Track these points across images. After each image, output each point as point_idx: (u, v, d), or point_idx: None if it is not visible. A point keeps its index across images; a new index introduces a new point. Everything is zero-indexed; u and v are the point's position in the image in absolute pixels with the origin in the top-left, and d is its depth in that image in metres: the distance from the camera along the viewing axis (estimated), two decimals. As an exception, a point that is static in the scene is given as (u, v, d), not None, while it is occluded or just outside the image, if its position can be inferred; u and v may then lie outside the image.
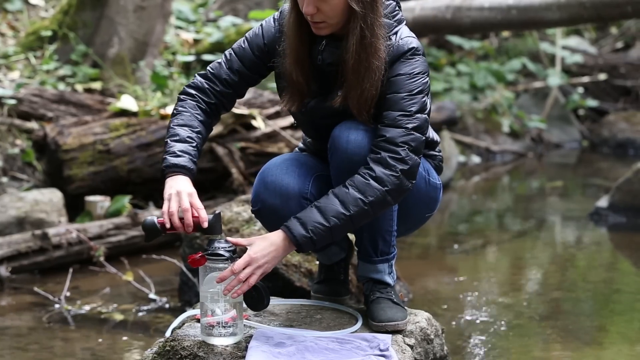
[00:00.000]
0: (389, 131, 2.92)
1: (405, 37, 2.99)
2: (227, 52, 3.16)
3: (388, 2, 3.02)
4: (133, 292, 4.83)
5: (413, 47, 2.98)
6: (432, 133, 3.23)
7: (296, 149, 3.38)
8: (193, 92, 3.13)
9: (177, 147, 3.01)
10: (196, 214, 2.91)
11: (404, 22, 3.06)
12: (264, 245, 2.89)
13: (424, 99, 2.96)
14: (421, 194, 3.15)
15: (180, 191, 2.93)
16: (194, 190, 2.96)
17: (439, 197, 3.24)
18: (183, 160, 2.98)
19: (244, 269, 2.85)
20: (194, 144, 3.03)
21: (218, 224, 2.93)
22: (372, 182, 2.89)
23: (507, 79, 10.46)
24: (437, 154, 3.27)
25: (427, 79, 2.99)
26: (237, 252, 2.93)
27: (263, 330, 3.02)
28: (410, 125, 2.92)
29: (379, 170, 2.90)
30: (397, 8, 3.04)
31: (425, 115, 2.97)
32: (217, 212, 2.96)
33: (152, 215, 3.05)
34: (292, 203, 3.08)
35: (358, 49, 2.92)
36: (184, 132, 3.04)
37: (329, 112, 3.04)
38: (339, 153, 2.99)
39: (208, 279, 2.91)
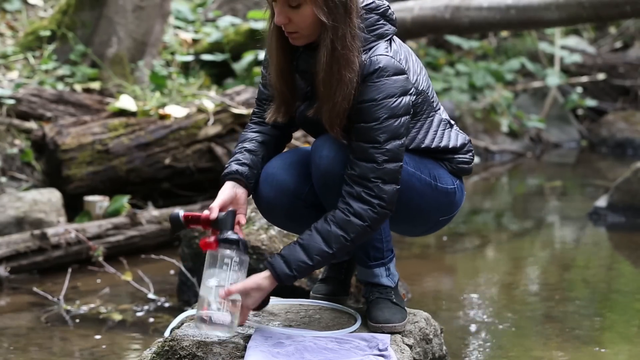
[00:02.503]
0: (360, 166, 2.89)
1: (377, 55, 2.91)
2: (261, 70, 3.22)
3: (368, 16, 2.96)
4: (132, 292, 4.83)
5: (379, 68, 2.89)
6: (444, 139, 3.14)
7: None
8: (251, 120, 3.21)
9: (229, 163, 3.09)
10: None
11: (387, 38, 2.98)
12: (257, 297, 2.94)
13: (395, 123, 2.89)
14: (428, 200, 3.11)
15: (218, 196, 3.03)
16: (228, 194, 3.02)
17: (453, 200, 3.18)
18: (228, 169, 3.05)
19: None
20: (241, 150, 3.10)
21: (229, 220, 2.95)
22: (352, 218, 2.90)
23: (506, 79, 10.46)
24: (455, 157, 3.18)
25: (399, 99, 2.89)
26: (247, 244, 2.97)
27: (262, 330, 3.02)
28: (380, 159, 2.88)
29: (356, 205, 2.90)
30: (379, 22, 2.97)
31: (399, 142, 2.90)
32: (230, 209, 2.97)
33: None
34: (286, 200, 3.09)
35: (329, 61, 2.88)
36: (235, 150, 3.13)
37: (311, 119, 3.04)
38: (314, 168, 3.00)
39: (210, 273, 2.90)
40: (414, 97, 2.99)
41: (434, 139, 3.10)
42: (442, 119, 3.14)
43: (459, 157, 3.19)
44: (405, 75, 2.93)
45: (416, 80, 3.02)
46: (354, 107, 2.90)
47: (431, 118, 3.10)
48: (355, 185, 2.90)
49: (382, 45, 2.95)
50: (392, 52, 2.94)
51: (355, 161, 2.90)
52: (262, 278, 2.94)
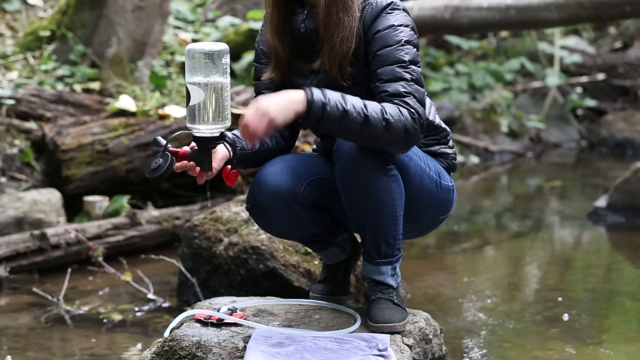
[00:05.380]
0: (391, 85, 2.94)
1: None
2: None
3: None
4: (132, 292, 4.83)
5: (391, 2, 3.02)
6: (437, 118, 3.23)
7: (310, 149, 3.41)
8: None
9: None
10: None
11: None
12: (275, 96, 2.84)
13: (413, 49, 2.99)
14: (433, 197, 3.16)
15: None
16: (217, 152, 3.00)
17: (452, 198, 3.23)
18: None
19: (253, 119, 2.81)
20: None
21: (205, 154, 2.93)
22: (396, 107, 2.89)
23: (506, 79, 10.46)
24: (449, 152, 3.25)
25: (412, 31, 3.01)
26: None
27: (262, 330, 3.02)
28: (408, 77, 2.94)
29: (400, 107, 2.90)
30: None
31: (418, 68, 2.98)
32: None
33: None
34: (283, 204, 3.10)
35: (327, 2, 2.99)
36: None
37: (322, 84, 3.05)
38: (341, 156, 3.01)
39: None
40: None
41: (430, 112, 3.19)
42: (431, 102, 3.24)
43: (449, 153, 3.26)
44: (411, 19, 3.06)
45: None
46: (369, 41, 2.99)
47: (427, 95, 3.20)
48: (391, 101, 2.92)
49: None
50: None
51: (385, 84, 2.94)
52: (293, 91, 2.86)
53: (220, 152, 3.01)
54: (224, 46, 2.83)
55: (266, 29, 3.15)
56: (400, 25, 2.99)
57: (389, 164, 3.00)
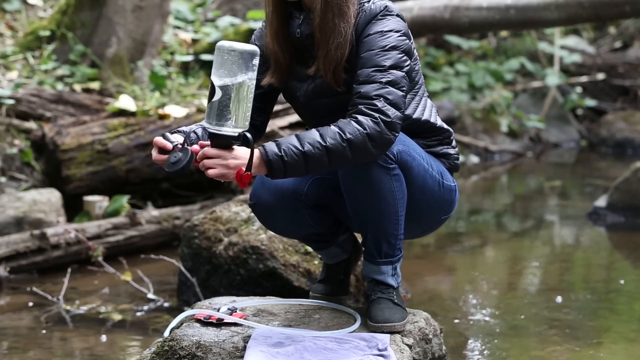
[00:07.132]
0: (363, 87, 2.93)
1: (379, 1, 3.03)
2: None
3: None
4: (131, 292, 4.83)
5: (385, 7, 3.01)
6: (438, 119, 3.22)
7: None
8: None
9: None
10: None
11: None
12: (241, 152, 2.84)
13: (399, 55, 2.96)
14: (435, 197, 3.15)
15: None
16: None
17: (454, 198, 3.22)
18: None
19: (211, 157, 2.83)
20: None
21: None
22: (353, 122, 2.89)
23: (506, 79, 10.46)
24: (451, 152, 3.24)
25: (405, 38, 2.99)
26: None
27: (262, 330, 3.02)
28: (384, 80, 2.93)
29: (360, 117, 2.90)
30: None
31: (402, 73, 2.95)
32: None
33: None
34: (285, 202, 3.12)
35: (323, 8, 2.97)
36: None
37: (319, 89, 3.06)
38: None
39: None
40: (414, 61, 3.08)
41: (430, 115, 3.19)
42: (432, 104, 3.23)
43: (451, 153, 3.25)
44: (406, 24, 3.05)
45: (415, 50, 3.10)
46: (358, 43, 2.98)
47: (426, 97, 3.20)
48: (358, 104, 2.92)
49: None
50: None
51: (359, 85, 2.94)
52: (250, 151, 2.86)
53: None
54: (255, 48, 2.83)
55: (267, 31, 3.14)
56: (390, 31, 2.98)
57: (392, 164, 3.00)
